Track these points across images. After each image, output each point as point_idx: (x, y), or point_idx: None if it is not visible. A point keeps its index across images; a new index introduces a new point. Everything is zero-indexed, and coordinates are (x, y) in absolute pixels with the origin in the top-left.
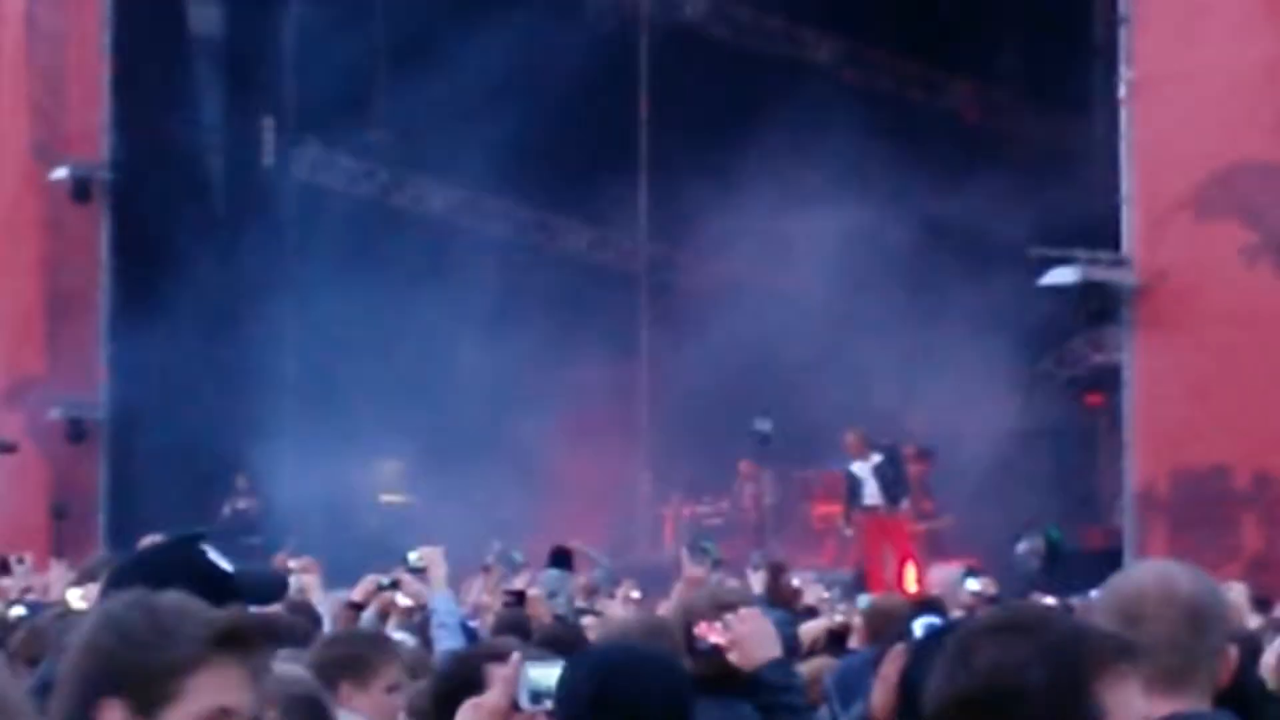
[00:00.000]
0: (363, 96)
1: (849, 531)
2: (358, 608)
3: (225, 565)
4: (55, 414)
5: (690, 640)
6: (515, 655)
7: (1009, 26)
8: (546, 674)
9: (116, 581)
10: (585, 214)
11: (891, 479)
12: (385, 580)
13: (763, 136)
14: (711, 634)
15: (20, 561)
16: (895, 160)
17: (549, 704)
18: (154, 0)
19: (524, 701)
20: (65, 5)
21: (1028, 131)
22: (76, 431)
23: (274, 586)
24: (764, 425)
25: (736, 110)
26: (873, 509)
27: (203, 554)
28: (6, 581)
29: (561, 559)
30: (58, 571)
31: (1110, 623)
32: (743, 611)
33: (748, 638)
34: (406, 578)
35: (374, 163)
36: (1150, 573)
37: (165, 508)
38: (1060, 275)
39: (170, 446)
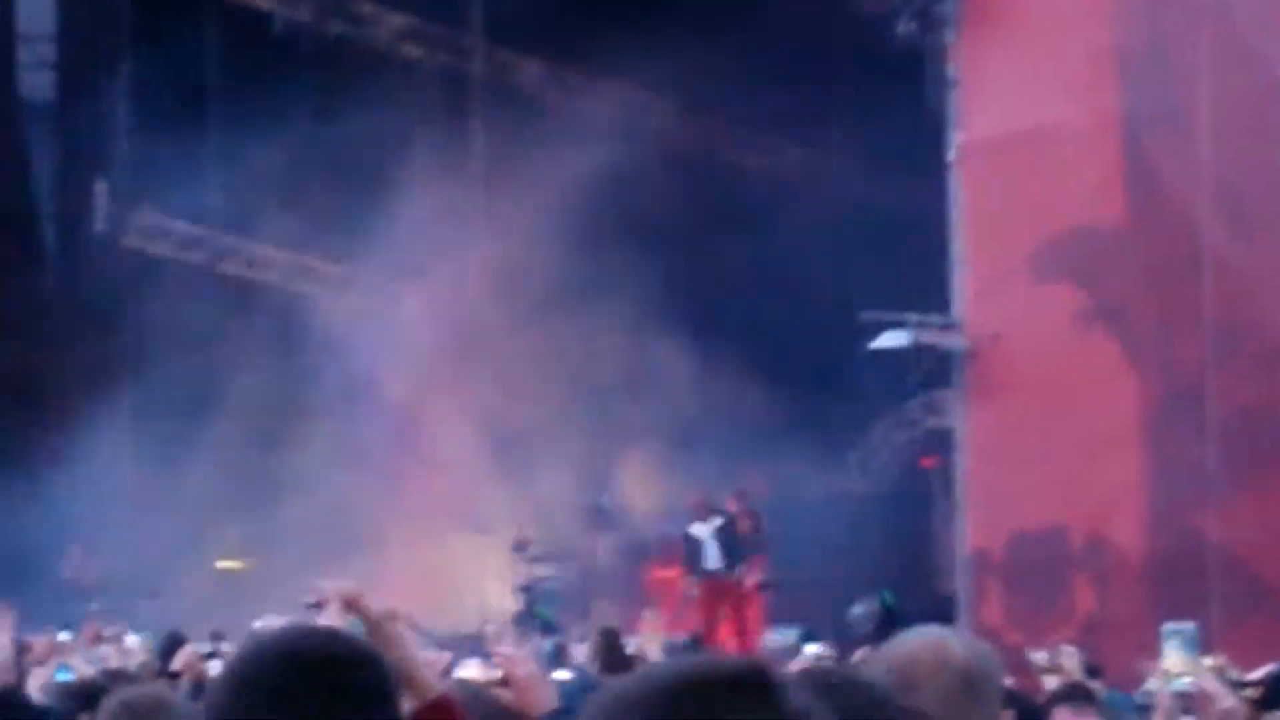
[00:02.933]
0: (196, 160)
1: (694, 593)
2: (175, 676)
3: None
4: None
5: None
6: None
7: (839, 89)
8: None
9: None
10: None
11: (732, 542)
12: (205, 650)
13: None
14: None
15: None
16: (724, 225)
17: None
18: None
19: None
20: None
21: (859, 195)
22: None
23: None
24: (604, 500)
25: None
26: (713, 573)
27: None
28: None
29: None
30: None
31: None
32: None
33: (525, 682)
34: (227, 648)
35: (206, 228)
36: (923, 640)
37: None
38: (892, 339)
39: (2, 516)
